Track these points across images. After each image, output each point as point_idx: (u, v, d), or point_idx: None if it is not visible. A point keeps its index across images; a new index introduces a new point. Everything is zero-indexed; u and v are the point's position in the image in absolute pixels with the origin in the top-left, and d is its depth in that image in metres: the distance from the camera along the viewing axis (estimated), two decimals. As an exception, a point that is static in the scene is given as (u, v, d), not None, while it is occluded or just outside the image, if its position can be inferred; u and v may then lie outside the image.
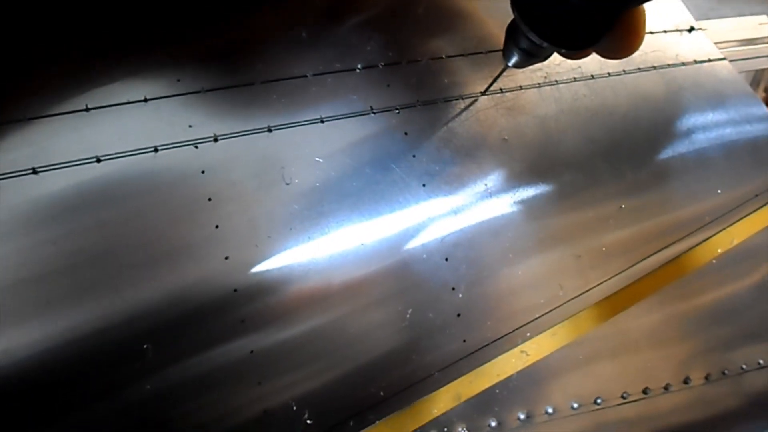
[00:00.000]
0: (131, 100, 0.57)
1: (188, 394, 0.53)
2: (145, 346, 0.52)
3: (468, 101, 0.66)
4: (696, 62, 0.79)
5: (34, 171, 0.53)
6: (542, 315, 0.64)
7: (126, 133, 0.56)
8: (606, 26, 0.47)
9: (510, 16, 0.50)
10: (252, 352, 0.55)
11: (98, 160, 0.54)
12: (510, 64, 0.56)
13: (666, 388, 0.69)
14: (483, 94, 0.66)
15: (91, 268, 0.52)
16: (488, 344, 0.62)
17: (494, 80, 0.64)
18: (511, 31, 0.53)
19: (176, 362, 0.53)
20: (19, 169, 0.53)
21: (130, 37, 0.59)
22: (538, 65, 0.67)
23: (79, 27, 0.58)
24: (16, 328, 0.50)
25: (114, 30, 0.59)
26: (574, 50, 0.50)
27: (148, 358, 0.52)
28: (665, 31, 0.80)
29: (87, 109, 0.56)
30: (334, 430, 0.57)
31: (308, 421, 0.56)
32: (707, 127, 0.76)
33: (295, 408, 0.56)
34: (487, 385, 0.62)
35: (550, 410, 0.64)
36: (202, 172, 0.56)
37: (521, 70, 0.68)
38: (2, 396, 0.49)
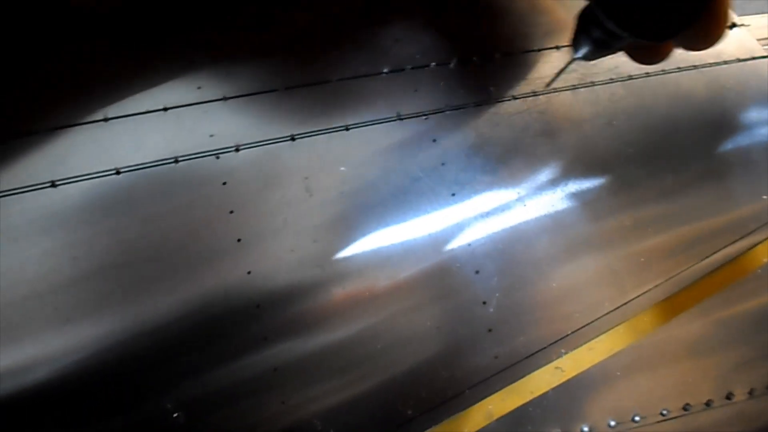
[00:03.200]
0: (150, 109, 0.54)
1: (210, 412, 0.50)
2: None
3: (499, 106, 0.61)
4: (739, 60, 0.73)
5: (53, 184, 0.50)
6: (578, 329, 0.60)
7: (146, 143, 0.53)
8: (693, 14, 0.41)
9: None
10: (275, 370, 0.52)
11: (118, 173, 0.52)
12: (578, 56, 0.51)
13: (708, 404, 0.64)
14: (539, 92, 0.61)
15: (111, 282, 0.50)
16: (521, 360, 0.58)
17: (558, 75, 0.59)
18: (584, 19, 0.48)
19: (197, 380, 0.50)
20: (37, 182, 0.50)
21: (149, 44, 0.56)
22: (573, 66, 0.62)
23: (95, 36, 0.55)
24: (32, 340, 0.48)
25: (132, 38, 0.56)
26: (656, 41, 0.44)
27: (168, 376, 0.50)
28: (706, 28, 0.74)
29: (106, 120, 0.53)
30: (360, 450, 0.54)
31: (334, 441, 0.53)
32: (751, 129, 0.70)
33: (320, 428, 0.52)
34: (520, 403, 0.58)
35: (586, 429, 0.59)
36: (224, 183, 0.53)
37: (554, 70, 0.63)
38: (15, 407, 0.47)
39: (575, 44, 0.50)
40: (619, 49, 0.49)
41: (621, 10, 0.42)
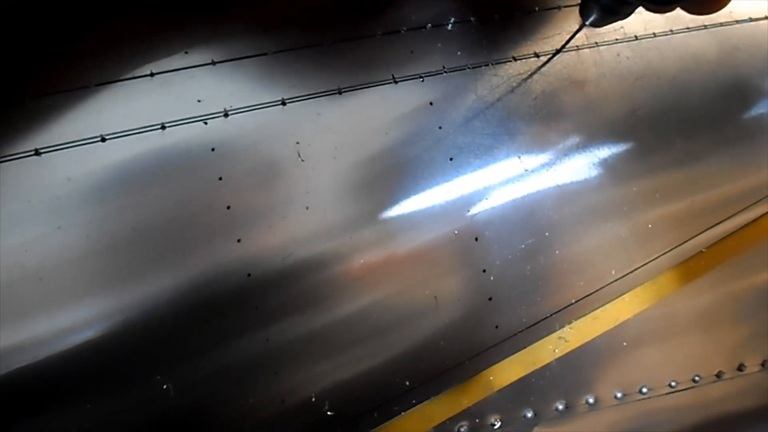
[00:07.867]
0: (137, 75, 0.51)
1: (200, 385, 0.48)
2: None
3: (498, 67, 0.57)
4: (751, 20, 0.68)
5: (37, 152, 0.48)
6: (582, 298, 0.56)
7: (132, 110, 0.50)
8: None
9: None
10: (267, 340, 0.49)
11: (103, 140, 0.49)
12: (587, 22, 0.50)
13: (718, 375, 0.60)
14: (540, 54, 0.58)
15: (97, 257, 0.47)
16: (523, 330, 0.55)
17: (567, 42, 0.56)
18: None
19: (187, 353, 0.47)
20: (21, 150, 0.47)
21: (134, 7, 0.53)
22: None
23: (78, 1, 0.52)
24: (18, 323, 0.45)
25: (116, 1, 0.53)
26: (663, 5, 0.43)
27: (159, 352, 0.47)
28: (717, -14, 0.69)
29: (91, 86, 0.50)
30: (356, 422, 0.51)
31: (329, 413, 0.50)
32: (765, 92, 0.65)
33: (314, 399, 0.50)
34: (521, 374, 0.55)
35: (591, 400, 0.56)
36: (212, 149, 0.50)
37: (557, 32, 0.59)
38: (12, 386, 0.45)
39: (583, 10, 0.50)
40: (628, 15, 0.49)
41: None
